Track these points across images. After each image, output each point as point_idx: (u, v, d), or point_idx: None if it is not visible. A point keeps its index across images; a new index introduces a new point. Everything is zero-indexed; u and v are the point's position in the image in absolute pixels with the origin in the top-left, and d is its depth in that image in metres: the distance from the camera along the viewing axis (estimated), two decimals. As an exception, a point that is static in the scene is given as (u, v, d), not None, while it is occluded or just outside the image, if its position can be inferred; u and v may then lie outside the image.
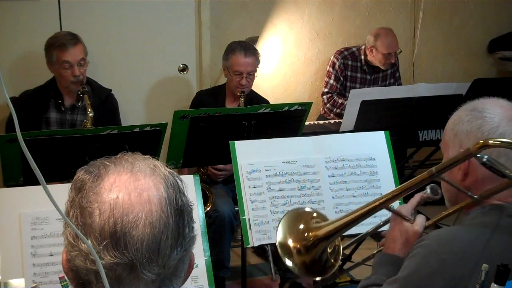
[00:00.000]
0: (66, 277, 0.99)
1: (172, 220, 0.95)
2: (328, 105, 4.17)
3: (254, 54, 3.51)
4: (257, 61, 3.53)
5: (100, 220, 0.92)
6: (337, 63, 4.20)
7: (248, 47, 3.52)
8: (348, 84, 4.22)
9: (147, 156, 1.02)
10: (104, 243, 0.91)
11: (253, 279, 3.59)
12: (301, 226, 1.72)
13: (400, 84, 4.39)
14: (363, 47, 4.23)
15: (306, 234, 1.70)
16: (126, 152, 1.02)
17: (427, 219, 1.61)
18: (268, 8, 4.40)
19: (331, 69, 4.24)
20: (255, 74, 3.54)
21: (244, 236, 2.30)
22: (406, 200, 1.68)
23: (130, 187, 0.94)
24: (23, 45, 3.80)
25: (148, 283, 0.94)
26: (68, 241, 0.95)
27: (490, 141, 1.33)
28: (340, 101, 4.13)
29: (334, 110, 4.15)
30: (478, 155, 1.35)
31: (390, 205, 1.61)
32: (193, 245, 1.00)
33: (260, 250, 3.82)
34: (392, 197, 1.56)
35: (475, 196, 1.44)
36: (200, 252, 1.96)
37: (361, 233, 1.99)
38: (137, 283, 0.93)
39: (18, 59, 3.83)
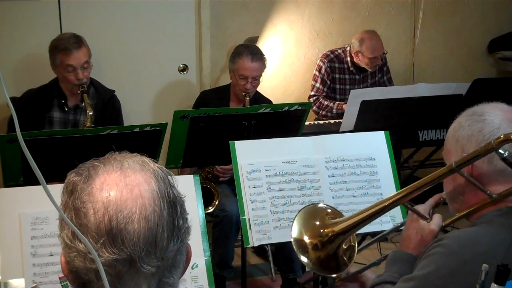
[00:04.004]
0: (66, 279, 1.00)
1: (166, 213, 0.96)
2: (314, 107, 4.16)
3: (261, 59, 3.51)
4: (263, 66, 3.53)
5: (95, 219, 0.93)
6: (324, 67, 4.19)
7: (255, 52, 3.52)
8: (337, 86, 4.22)
9: (135, 154, 1.03)
10: (102, 241, 0.91)
11: (253, 279, 3.60)
12: (317, 223, 1.73)
13: (390, 78, 4.38)
14: (348, 48, 4.22)
15: (322, 230, 1.71)
16: (113, 152, 1.03)
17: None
18: (268, 8, 4.40)
19: (317, 73, 4.22)
20: (261, 79, 3.54)
21: (244, 236, 2.29)
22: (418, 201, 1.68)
23: (121, 184, 0.95)
24: (22, 45, 3.80)
25: (148, 276, 0.95)
26: (65, 244, 0.96)
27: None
28: (325, 103, 4.13)
29: (320, 112, 4.15)
30: (499, 150, 1.35)
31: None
32: (188, 236, 1.01)
33: (260, 250, 3.82)
34: (409, 193, 1.55)
35: (494, 195, 1.43)
36: (200, 252, 1.96)
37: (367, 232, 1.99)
38: (137, 278, 0.94)
39: (17, 59, 3.83)
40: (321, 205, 1.84)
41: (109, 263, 0.91)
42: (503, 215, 1.42)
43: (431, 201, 1.62)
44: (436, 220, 1.57)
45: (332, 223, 1.71)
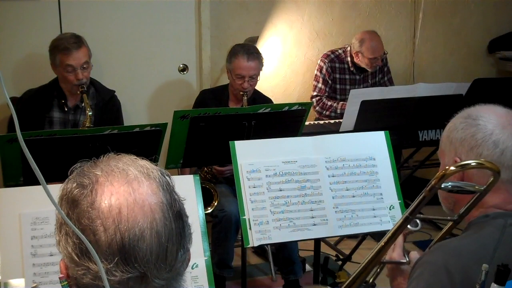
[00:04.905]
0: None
1: (174, 225, 0.95)
2: (317, 108, 4.16)
3: (258, 58, 3.50)
4: (260, 65, 3.51)
5: (106, 237, 0.90)
6: (324, 67, 4.19)
7: (252, 51, 3.50)
8: (338, 86, 4.22)
9: (132, 157, 1.01)
10: (115, 260, 0.89)
11: (253, 279, 3.60)
12: None
13: (390, 78, 4.39)
14: (348, 48, 4.22)
15: None
16: (109, 153, 1.01)
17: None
18: (268, 8, 4.40)
19: (318, 73, 4.23)
20: (258, 78, 3.53)
21: (244, 236, 2.29)
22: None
23: (130, 199, 0.93)
24: (22, 45, 3.80)
25: None
26: (70, 258, 0.93)
27: (449, 170, 1.36)
28: (329, 103, 4.13)
29: (324, 112, 4.14)
30: (442, 186, 1.38)
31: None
32: (191, 241, 1.01)
33: (260, 250, 3.82)
34: (380, 250, 1.54)
35: (454, 218, 1.47)
36: (200, 252, 1.96)
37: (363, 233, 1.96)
38: None
39: (17, 59, 3.83)
40: None
41: (122, 281, 0.90)
42: (489, 221, 1.41)
43: (398, 242, 1.59)
44: (414, 258, 1.55)
45: None
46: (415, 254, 1.57)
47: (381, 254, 1.55)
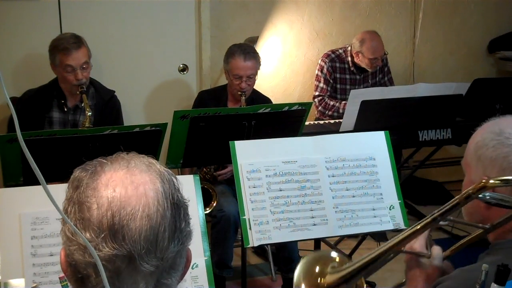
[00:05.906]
0: (65, 277, 1.00)
1: (169, 213, 0.97)
2: (320, 107, 4.16)
3: (254, 57, 3.49)
4: (257, 64, 3.50)
5: (98, 214, 0.94)
6: (325, 66, 4.20)
7: (248, 51, 3.49)
8: (338, 86, 4.22)
9: (142, 155, 1.04)
10: (103, 235, 0.92)
11: (253, 279, 3.60)
12: (317, 270, 1.59)
13: (390, 78, 4.39)
14: (349, 48, 4.22)
15: (319, 280, 1.57)
16: (121, 152, 1.04)
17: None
18: (268, 8, 4.40)
19: (319, 73, 4.23)
20: (256, 77, 3.53)
21: (244, 236, 2.29)
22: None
23: (127, 182, 0.96)
24: (22, 45, 3.80)
25: (147, 275, 0.95)
26: (66, 237, 0.97)
27: (490, 182, 1.29)
28: (331, 103, 4.13)
29: (326, 112, 4.14)
30: (480, 196, 1.31)
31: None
32: (189, 240, 1.02)
33: (260, 250, 3.82)
34: (399, 242, 1.46)
35: (486, 226, 1.39)
36: (200, 252, 1.96)
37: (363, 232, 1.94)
38: (135, 276, 0.94)
39: (17, 59, 3.83)
40: (333, 253, 1.64)
41: (109, 258, 0.92)
42: None
43: (424, 232, 1.50)
44: (436, 254, 1.49)
45: (329, 272, 1.56)
46: (438, 250, 1.50)
47: (400, 245, 1.46)
